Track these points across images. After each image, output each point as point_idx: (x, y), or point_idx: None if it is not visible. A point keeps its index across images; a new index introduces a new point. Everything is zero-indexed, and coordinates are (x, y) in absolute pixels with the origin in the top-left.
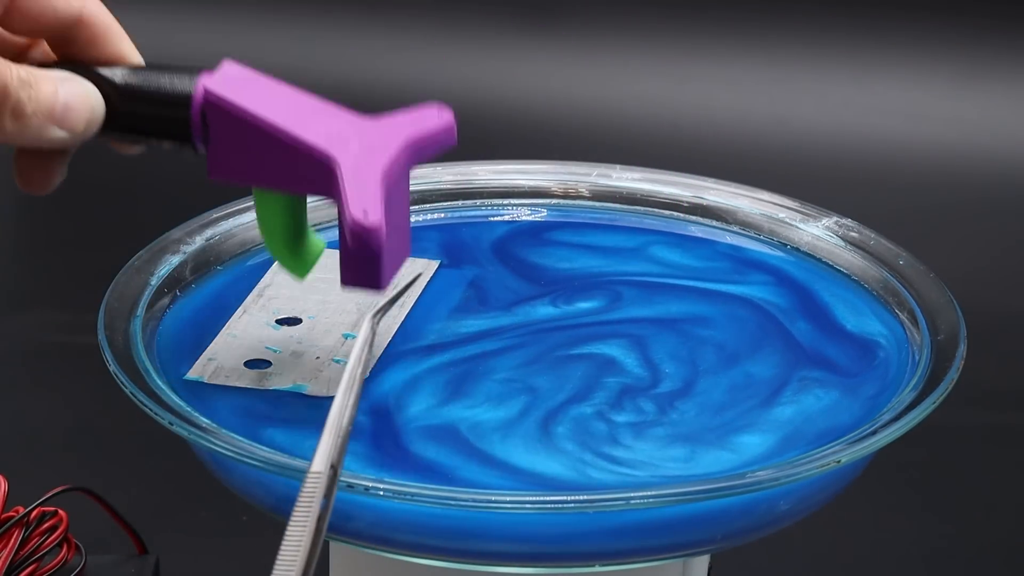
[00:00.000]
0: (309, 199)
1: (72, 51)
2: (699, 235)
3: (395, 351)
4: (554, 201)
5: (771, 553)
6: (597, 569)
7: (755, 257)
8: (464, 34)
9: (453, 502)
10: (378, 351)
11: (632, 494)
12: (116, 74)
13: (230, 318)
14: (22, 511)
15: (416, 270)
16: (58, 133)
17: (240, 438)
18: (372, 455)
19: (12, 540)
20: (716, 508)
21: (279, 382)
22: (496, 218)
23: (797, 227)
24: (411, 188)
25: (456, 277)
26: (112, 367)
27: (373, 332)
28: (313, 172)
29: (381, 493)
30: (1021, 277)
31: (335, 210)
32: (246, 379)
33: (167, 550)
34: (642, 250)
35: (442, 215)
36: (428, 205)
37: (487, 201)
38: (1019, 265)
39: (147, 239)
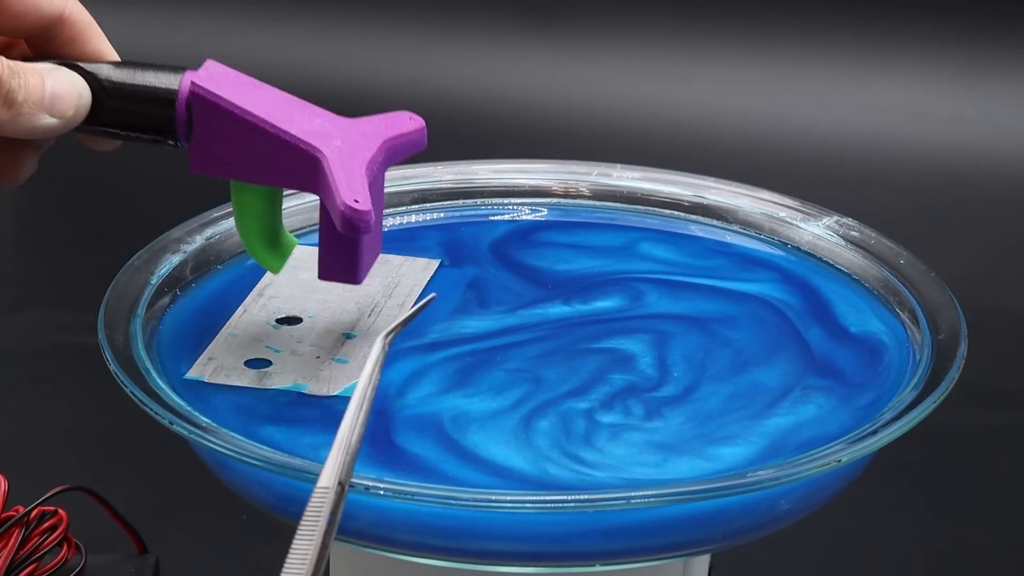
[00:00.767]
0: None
1: (51, 50)
2: (699, 234)
3: (401, 347)
4: (554, 200)
5: (772, 553)
6: (598, 569)
7: (756, 255)
8: (464, 34)
9: (453, 502)
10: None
11: (632, 494)
12: (100, 69)
13: (230, 317)
14: (22, 510)
15: (418, 271)
16: (48, 120)
17: (240, 437)
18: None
19: (12, 539)
20: (717, 508)
21: (279, 381)
22: (496, 217)
23: (798, 226)
24: (411, 188)
25: (456, 277)
26: (112, 366)
27: (385, 352)
28: (297, 165)
29: (381, 493)
30: (1022, 276)
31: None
32: (246, 378)
33: (167, 550)
34: (632, 247)
35: (442, 215)
36: (428, 204)
37: (487, 200)
38: (1020, 264)
39: (147, 238)
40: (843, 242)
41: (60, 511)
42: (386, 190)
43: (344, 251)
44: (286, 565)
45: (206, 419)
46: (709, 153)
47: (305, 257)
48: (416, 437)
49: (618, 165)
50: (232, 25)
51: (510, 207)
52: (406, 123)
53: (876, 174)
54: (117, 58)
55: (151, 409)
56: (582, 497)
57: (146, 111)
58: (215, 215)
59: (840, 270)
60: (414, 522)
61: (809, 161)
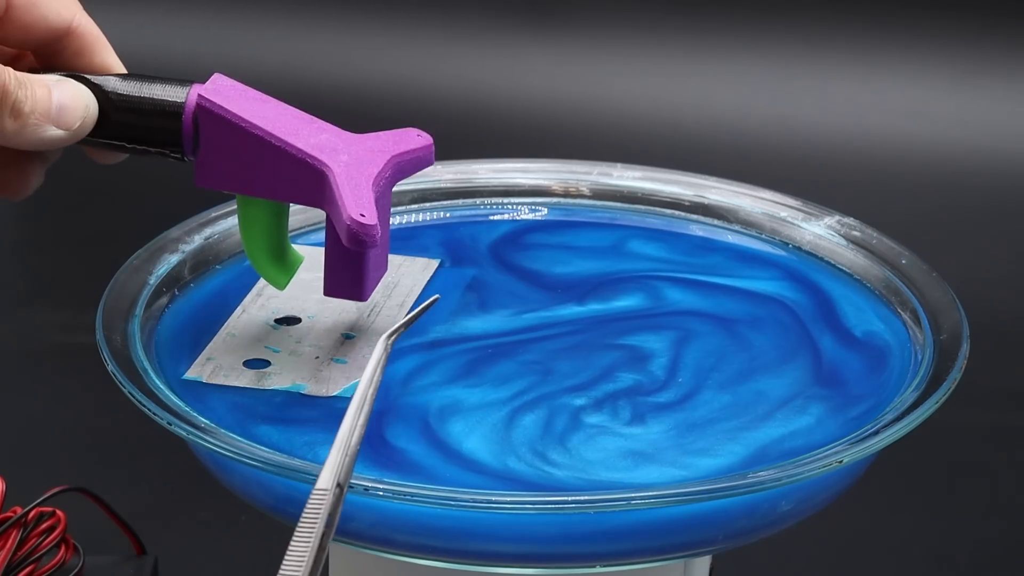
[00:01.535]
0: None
1: (58, 62)
2: (700, 233)
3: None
4: (555, 200)
5: (772, 553)
6: (598, 570)
7: (757, 254)
8: (464, 34)
9: (453, 502)
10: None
11: (633, 494)
12: (107, 81)
13: (229, 317)
14: (20, 511)
15: (417, 271)
16: (55, 132)
17: (239, 438)
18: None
19: (10, 540)
20: (718, 509)
21: (278, 382)
22: (496, 217)
23: (799, 226)
24: (411, 187)
25: (456, 277)
26: (110, 367)
27: (387, 353)
28: (304, 179)
29: (380, 493)
30: (1022, 276)
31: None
32: (245, 379)
33: (166, 550)
34: (621, 244)
35: (442, 214)
36: (428, 204)
37: (487, 200)
38: (1021, 264)
39: (146, 238)
40: (845, 242)
41: (58, 512)
42: None
43: (350, 266)
44: (283, 566)
45: (204, 420)
46: (710, 153)
47: (305, 257)
48: (402, 427)
49: (618, 165)
50: (232, 25)
51: (510, 207)
52: (414, 140)
53: (877, 174)
54: (124, 71)
55: (149, 410)
56: (582, 498)
57: (153, 124)
58: (214, 215)
59: (842, 270)
60: (413, 523)
61: (811, 160)
